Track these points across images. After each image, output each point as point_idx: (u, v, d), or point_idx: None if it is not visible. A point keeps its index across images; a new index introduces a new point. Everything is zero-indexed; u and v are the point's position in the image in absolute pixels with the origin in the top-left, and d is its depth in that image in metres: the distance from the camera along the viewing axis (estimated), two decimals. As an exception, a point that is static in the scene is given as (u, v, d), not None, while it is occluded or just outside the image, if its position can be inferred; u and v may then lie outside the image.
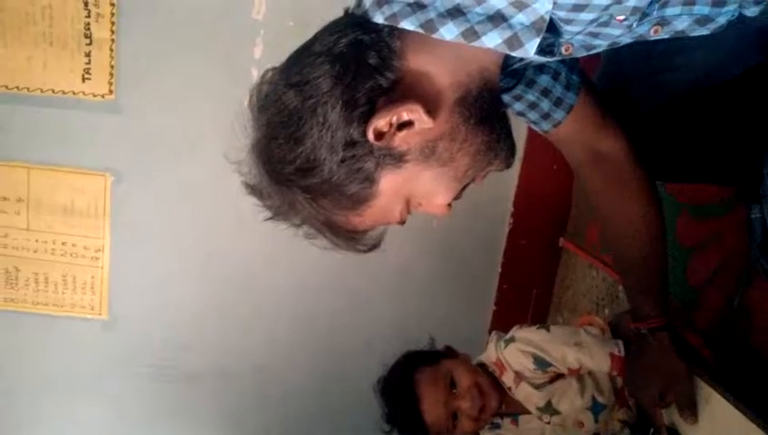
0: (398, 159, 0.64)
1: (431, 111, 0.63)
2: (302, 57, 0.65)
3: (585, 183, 0.93)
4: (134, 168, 1.54)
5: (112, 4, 1.42)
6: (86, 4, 1.41)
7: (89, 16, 1.42)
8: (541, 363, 1.03)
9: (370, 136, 0.62)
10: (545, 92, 0.82)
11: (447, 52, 0.63)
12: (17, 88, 1.46)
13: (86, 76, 1.46)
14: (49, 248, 1.57)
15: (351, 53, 0.62)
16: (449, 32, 0.59)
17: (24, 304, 1.60)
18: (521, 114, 0.84)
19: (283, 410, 1.73)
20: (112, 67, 1.46)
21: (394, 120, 0.62)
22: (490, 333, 1.48)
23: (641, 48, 0.72)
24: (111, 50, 1.45)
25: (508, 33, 0.59)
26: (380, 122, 0.62)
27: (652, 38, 0.67)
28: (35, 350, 1.65)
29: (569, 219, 1.72)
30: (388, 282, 1.68)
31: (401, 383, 1.08)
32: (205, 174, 1.52)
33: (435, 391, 1.05)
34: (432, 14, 0.59)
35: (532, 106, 0.83)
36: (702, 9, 0.64)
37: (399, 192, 0.67)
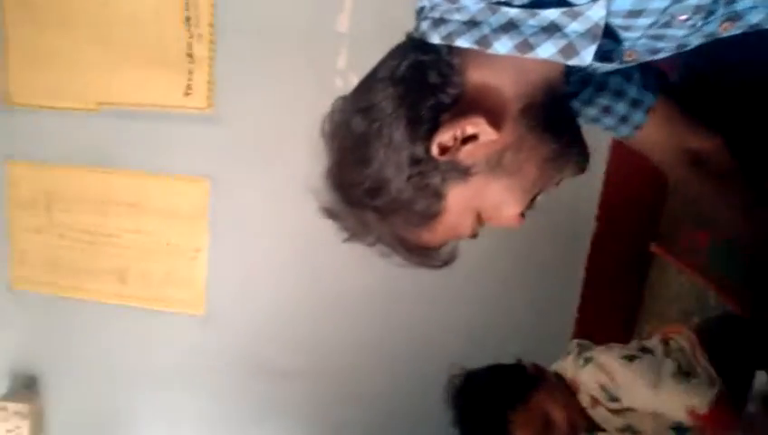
0: (465, 172, 0.65)
1: (495, 122, 0.63)
2: (367, 83, 0.68)
3: (686, 186, 0.90)
4: (230, 174, 1.65)
5: (211, 25, 1.54)
6: (188, 26, 1.54)
7: (191, 37, 1.55)
8: (610, 397, 0.98)
9: (435, 151, 0.63)
10: (619, 94, 0.80)
11: (507, 64, 0.63)
12: (130, 104, 1.61)
13: (188, 91, 1.58)
14: (154, 248, 1.71)
15: (412, 74, 0.64)
16: (503, 46, 0.60)
17: (131, 299, 1.75)
18: (595, 120, 0.82)
19: (369, 410, 1.75)
20: (210, 82, 1.58)
21: (458, 134, 0.63)
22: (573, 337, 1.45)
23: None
24: (210, 66, 1.56)
25: (563, 43, 0.59)
26: (444, 137, 0.63)
27: (723, 35, 0.64)
28: (139, 343, 1.79)
29: (660, 222, 1.64)
30: (467, 288, 1.68)
31: (493, 425, 1.05)
32: (294, 179, 1.59)
33: (531, 433, 1.02)
34: (486, 30, 0.60)
35: (607, 110, 0.81)
36: None
37: (468, 206, 0.67)
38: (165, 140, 1.64)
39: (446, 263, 0.74)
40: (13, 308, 1.80)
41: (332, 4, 1.51)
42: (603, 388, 0.99)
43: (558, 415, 1.01)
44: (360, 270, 1.67)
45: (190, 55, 1.56)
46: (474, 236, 0.72)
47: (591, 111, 0.81)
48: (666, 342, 1.04)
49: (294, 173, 1.60)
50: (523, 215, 0.71)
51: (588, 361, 1.04)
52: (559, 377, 1.08)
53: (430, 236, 0.69)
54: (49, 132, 1.67)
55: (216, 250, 1.70)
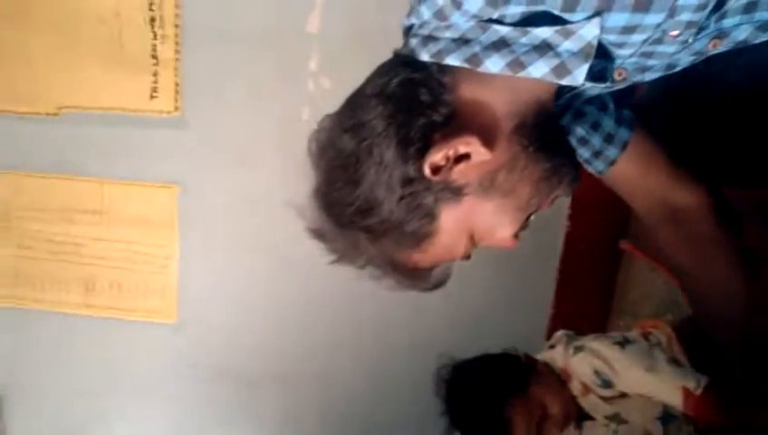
0: (457, 192, 0.64)
1: (488, 142, 0.62)
2: (355, 101, 0.66)
3: (658, 240, 0.87)
4: (199, 179, 1.61)
5: (176, 26, 1.49)
6: (152, 27, 1.49)
7: (155, 38, 1.50)
8: (604, 381, 1.00)
9: (427, 171, 0.62)
10: (594, 126, 0.79)
11: (500, 82, 0.62)
12: (93, 107, 1.56)
13: (153, 94, 1.53)
14: (123, 257, 1.66)
15: (402, 91, 0.63)
16: (495, 64, 0.59)
17: (100, 309, 1.69)
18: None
19: (343, 417, 1.75)
20: (177, 85, 1.53)
21: (450, 153, 0.62)
22: (547, 338, 1.46)
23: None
24: (176, 69, 1.52)
25: (555, 62, 0.58)
26: (436, 157, 0.62)
27: (711, 53, 0.64)
28: (110, 353, 1.74)
29: (629, 221, 1.67)
30: (444, 288, 1.68)
31: (490, 414, 1.05)
32: (266, 183, 1.58)
33: (530, 425, 1.03)
34: (477, 48, 0.60)
35: (583, 141, 0.79)
36: (763, 15, 0.60)
37: (461, 226, 0.66)
38: (130, 145, 1.59)
39: (438, 285, 0.72)
40: (-29, 323, 1.72)
41: (302, 5, 1.48)
42: (597, 373, 1.00)
43: (555, 404, 1.03)
44: (330, 273, 1.65)
45: (155, 57, 1.51)
46: (466, 257, 0.70)
47: (570, 140, 0.79)
48: (645, 335, 1.06)
49: (265, 177, 1.60)
50: (517, 236, 0.69)
51: (579, 349, 1.05)
52: (547, 367, 1.08)
53: (422, 257, 0.68)
54: (7, 138, 1.60)
55: (186, 257, 1.66)
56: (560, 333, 1.13)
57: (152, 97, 1.54)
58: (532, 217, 0.70)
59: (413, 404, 1.64)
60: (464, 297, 1.68)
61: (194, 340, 1.72)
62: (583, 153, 0.80)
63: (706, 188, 0.82)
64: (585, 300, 1.73)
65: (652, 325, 1.10)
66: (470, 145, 0.62)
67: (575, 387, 1.03)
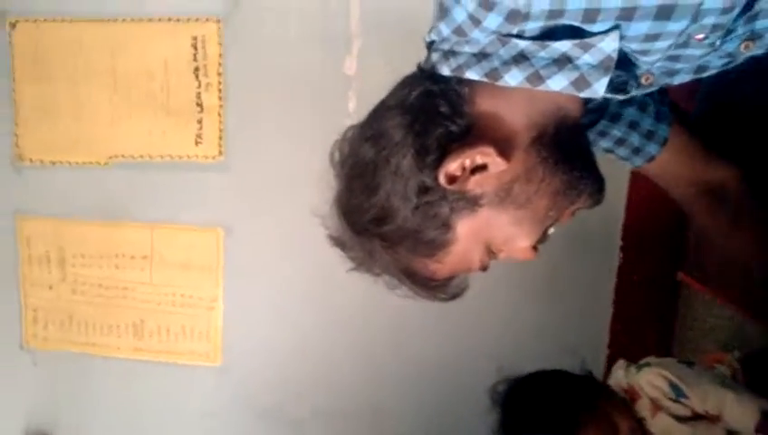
0: (473, 202, 0.64)
1: (505, 152, 0.62)
2: (377, 112, 0.68)
3: (694, 218, 0.89)
4: (243, 222, 1.63)
5: (219, 74, 1.54)
6: (197, 76, 1.55)
7: (199, 87, 1.55)
8: (678, 392, 0.93)
9: (442, 180, 0.62)
10: (633, 125, 0.79)
11: (519, 95, 0.62)
12: (141, 156, 1.61)
13: (198, 141, 1.58)
14: (170, 300, 1.69)
15: (422, 102, 0.63)
16: (514, 78, 0.59)
17: (148, 353, 1.72)
18: (608, 151, 0.81)
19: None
20: (221, 131, 1.57)
21: (467, 163, 0.62)
22: (604, 376, 1.40)
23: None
24: (220, 115, 1.56)
25: (575, 75, 0.58)
26: (452, 166, 0.62)
27: (743, 55, 0.62)
28: (156, 397, 1.75)
29: (687, 250, 1.60)
30: (490, 323, 1.64)
31: (559, 430, 0.98)
32: (308, 224, 1.58)
33: None
34: (496, 63, 0.60)
35: (621, 142, 0.80)
36: None
37: (477, 237, 0.66)
38: (176, 191, 1.63)
39: (454, 296, 0.72)
40: (26, 367, 1.77)
41: (340, 48, 1.51)
42: (671, 384, 0.94)
43: (624, 423, 0.96)
44: (375, 311, 1.64)
45: (200, 105, 1.56)
46: (483, 268, 0.70)
47: (605, 143, 0.80)
48: (710, 368, 1.01)
49: (307, 219, 1.60)
50: (535, 248, 0.69)
51: (642, 366, 0.99)
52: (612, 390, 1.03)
53: (438, 266, 0.68)
54: (60, 188, 1.66)
55: (231, 299, 1.68)
56: (620, 362, 1.08)
57: (197, 143, 1.58)
58: (552, 230, 0.69)
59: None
60: (512, 339, 1.64)
61: (240, 382, 1.72)
62: (621, 152, 0.81)
63: (735, 163, 0.83)
64: (642, 335, 1.65)
65: (717, 359, 1.05)
66: (487, 155, 0.62)
67: (643, 407, 0.97)
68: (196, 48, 1.53)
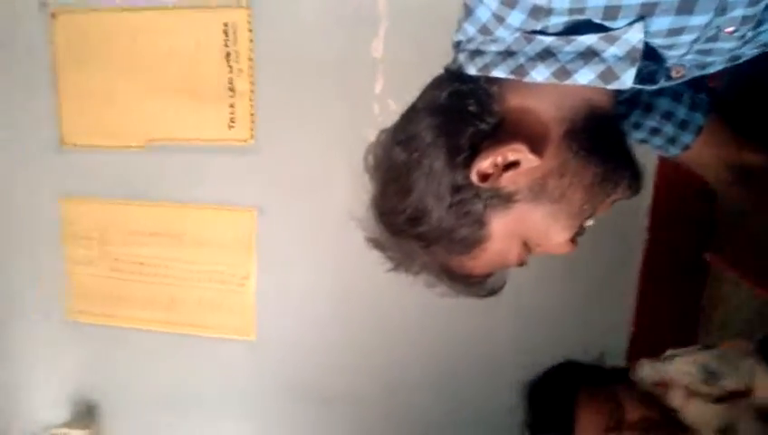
0: (507, 199, 0.64)
1: (536, 148, 0.62)
2: (407, 115, 0.68)
3: (734, 201, 0.89)
4: (275, 203, 1.68)
5: (250, 59, 1.57)
6: (228, 62, 1.58)
7: (231, 72, 1.59)
8: (711, 374, 0.91)
9: (474, 178, 0.63)
10: (667, 116, 0.79)
11: (547, 90, 0.62)
12: (176, 139, 1.66)
13: (231, 124, 1.62)
14: (204, 277, 1.74)
15: (451, 103, 0.64)
16: (540, 74, 0.59)
17: (182, 326, 1.78)
18: (643, 141, 0.81)
19: (418, 431, 1.75)
20: (252, 115, 1.61)
21: (499, 160, 0.62)
22: (628, 358, 1.40)
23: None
24: (251, 99, 1.60)
25: (601, 68, 0.58)
26: (484, 164, 0.62)
27: None
28: (191, 369, 1.82)
29: (714, 231, 1.58)
30: (514, 304, 1.65)
31: (558, 398, 0.98)
32: (337, 204, 1.61)
33: (596, 419, 0.93)
34: (522, 60, 0.60)
35: (655, 132, 0.80)
36: None
37: (513, 233, 0.66)
38: (211, 173, 1.68)
39: (493, 292, 0.73)
40: (70, 338, 1.86)
41: (367, 31, 1.53)
42: (703, 368, 0.92)
43: (635, 411, 0.92)
44: (403, 292, 1.65)
45: (232, 89, 1.60)
46: (521, 264, 0.70)
47: (639, 134, 0.80)
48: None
49: (337, 199, 1.64)
50: (574, 241, 0.68)
51: (669, 358, 0.97)
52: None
53: (474, 263, 0.68)
54: (100, 170, 1.73)
55: (263, 278, 1.73)
56: (641, 361, 1.04)
57: (230, 127, 1.62)
58: (591, 222, 0.68)
59: (488, 417, 1.62)
60: (537, 316, 1.65)
61: (271, 357, 1.77)
62: (656, 142, 0.81)
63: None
64: (668, 318, 1.63)
65: (734, 345, 1.03)
66: (518, 152, 0.62)
67: (676, 397, 0.93)
68: (227, 34, 1.56)
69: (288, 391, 1.78)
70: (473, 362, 1.69)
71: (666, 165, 1.47)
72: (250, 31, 1.56)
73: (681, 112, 0.78)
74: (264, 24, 1.56)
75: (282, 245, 1.70)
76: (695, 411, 0.92)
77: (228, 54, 1.58)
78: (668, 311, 1.63)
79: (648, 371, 0.99)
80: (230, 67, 1.58)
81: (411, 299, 1.66)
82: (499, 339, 1.66)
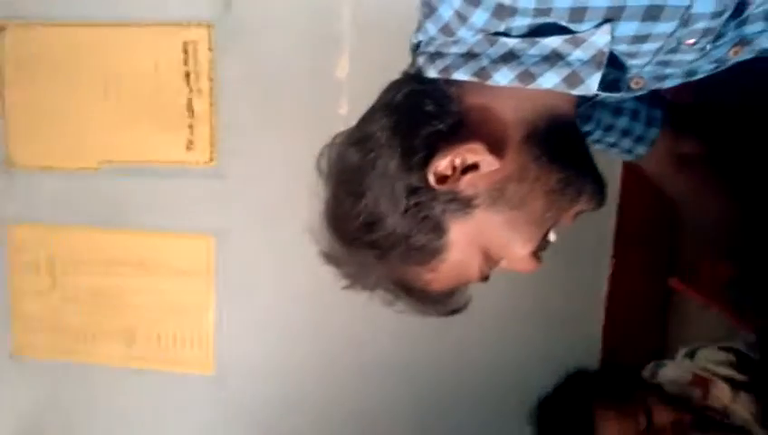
0: (466, 204, 0.61)
1: (496, 150, 0.60)
2: (363, 117, 0.66)
3: (668, 188, 0.91)
4: (235, 229, 1.63)
5: (211, 79, 1.54)
6: (187, 82, 1.55)
7: (190, 92, 1.55)
8: (748, 359, 0.86)
9: (431, 180, 0.60)
10: (625, 132, 0.81)
11: (507, 93, 0.60)
12: (132, 161, 1.61)
13: (190, 146, 1.58)
14: (161, 307, 1.68)
15: (407, 103, 0.62)
16: (504, 76, 0.58)
17: (141, 361, 1.71)
18: (600, 149, 0.83)
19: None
20: (212, 136, 1.57)
21: (457, 162, 0.60)
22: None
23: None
24: (211, 120, 1.56)
25: (566, 71, 0.57)
26: (441, 164, 0.60)
27: (731, 61, 0.62)
28: (150, 406, 1.74)
29: (679, 257, 1.60)
30: (484, 331, 1.63)
31: (577, 412, 0.91)
32: (301, 231, 1.57)
33: (625, 427, 0.88)
34: (485, 62, 0.58)
35: (613, 145, 0.83)
36: None
37: (473, 243, 0.63)
38: (168, 197, 1.63)
39: (455, 311, 0.69)
40: (16, 376, 1.76)
41: (331, 51, 1.51)
42: (735, 351, 0.88)
43: (662, 416, 0.87)
44: (373, 325, 1.63)
45: (191, 110, 1.56)
46: (484, 279, 0.67)
47: (599, 147, 0.82)
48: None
49: (300, 225, 1.59)
50: (537, 257, 0.66)
51: (691, 352, 0.93)
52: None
53: (433, 277, 0.65)
54: (50, 194, 1.66)
55: (223, 308, 1.67)
56: (652, 364, 1.01)
57: (188, 149, 1.58)
58: (553, 238, 0.66)
59: None
60: (505, 343, 1.63)
61: (232, 391, 1.70)
62: (612, 153, 0.84)
63: (706, 137, 0.87)
64: (635, 342, 1.64)
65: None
66: (476, 153, 0.60)
67: (722, 394, 0.87)
68: (186, 53, 1.53)
69: (251, 426, 1.71)
70: (449, 388, 1.65)
71: (630, 189, 1.50)
72: (210, 50, 1.53)
73: (638, 129, 0.81)
74: (225, 44, 1.54)
75: (243, 273, 1.65)
76: (744, 409, 0.87)
77: (188, 74, 1.54)
78: (635, 336, 1.63)
79: (673, 372, 0.93)
80: (189, 87, 1.55)
81: (382, 326, 1.63)
82: (473, 363, 1.64)
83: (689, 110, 0.88)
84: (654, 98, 0.79)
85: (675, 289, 1.60)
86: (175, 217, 1.64)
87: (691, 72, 0.64)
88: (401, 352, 1.63)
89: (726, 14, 0.55)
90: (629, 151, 0.82)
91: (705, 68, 0.63)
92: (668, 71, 0.63)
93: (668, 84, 0.65)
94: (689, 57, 0.60)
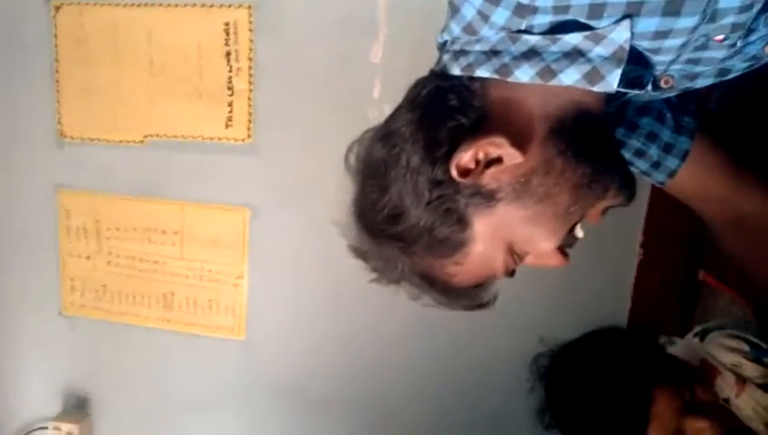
0: (490, 197, 0.61)
1: (519, 144, 0.60)
2: (391, 114, 0.68)
3: (723, 245, 0.82)
4: (269, 203, 1.68)
5: (250, 59, 1.58)
6: (228, 61, 1.59)
7: (230, 71, 1.59)
8: (757, 350, 0.82)
9: (454, 173, 0.61)
10: (651, 136, 0.76)
11: (531, 89, 0.60)
12: (174, 136, 1.67)
13: (228, 123, 1.63)
14: (198, 275, 1.74)
15: (431, 98, 0.63)
16: (525, 73, 0.58)
17: (177, 324, 1.78)
18: (628, 163, 0.77)
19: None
20: (250, 114, 1.61)
21: (480, 156, 0.60)
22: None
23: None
24: (249, 99, 1.60)
25: (587, 68, 0.57)
26: (464, 158, 0.60)
27: (767, 58, 0.60)
28: (183, 367, 1.82)
29: (708, 249, 1.57)
30: (507, 317, 1.63)
31: (633, 392, 0.83)
32: (332, 208, 1.61)
33: (674, 400, 0.82)
34: (506, 59, 0.59)
35: (640, 153, 0.77)
36: None
37: (497, 236, 0.63)
38: (207, 171, 1.68)
39: (482, 305, 0.69)
40: (64, 332, 1.86)
41: (366, 36, 1.53)
42: (748, 342, 0.82)
43: (707, 395, 0.82)
44: (398, 297, 1.65)
45: (231, 88, 1.61)
46: (510, 274, 0.67)
47: (624, 154, 0.77)
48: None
49: (330, 202, 1.62)
50: (564, 253, 0.66)
51: (704, 332, 0.87)
52: None
53: (458, 270, 0.66)
54: (98, 164, 1.74)
55: (255, 278, 1.73)
56: (664, 338, 0.96)
57: (227, 126, 1.63)
58: (580, 234, 0.66)
59: (483, 421, 1.60)
60: (527, 333, 1.62)
61: (261, 357, 1.77)
62: (641, 165, 0.78)
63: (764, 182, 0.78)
64: (661, 331, 1.63)
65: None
66: (499, 146, 0.60)
67: (726, 383, 0.83)
68: (228, 33, 1.57)
69: (278, 392, 1.78)
70: (468, 368, 1.68)
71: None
72: (250, 30, 1.57)
73: (665, 134, 0.76)
74: (264, 25, 1.57)
75: (275, 245, 1.70)
76: (748, 402, 0.82)
77: (228, 53, 1.58)
78: (661, 327, 1.61)
79: (681, 351, 0.89)
80: (230, 66, 1.59)
81: (404, 303, 1.65)
82: (492, 351, 1.65)
83: (750, 138, 0.79)
84: (685, 105, 0.76)
85: (704, 282, 1.57)
86: (212, 189, 1.69)
87: (724, 71, 0.63)
88: (425, 326, 1.65)
89: (756, 8, 0.54)
90: (658, 164, 0.76)
91: (739, 66, 0.62)
92: (699, 69, 0.62)
93: (700, 84, 0.64)
94: (720, 54, 0.59)
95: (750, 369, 0.82)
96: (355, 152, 0.70)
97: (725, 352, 0.84)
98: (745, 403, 0.80)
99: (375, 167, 0.66)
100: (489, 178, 0.61)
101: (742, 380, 0.81)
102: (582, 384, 0.90)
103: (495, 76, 0.59)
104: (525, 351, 1.61)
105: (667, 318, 1.61)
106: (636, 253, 1.60)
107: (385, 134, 0.65)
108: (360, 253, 0.70)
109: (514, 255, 0.65)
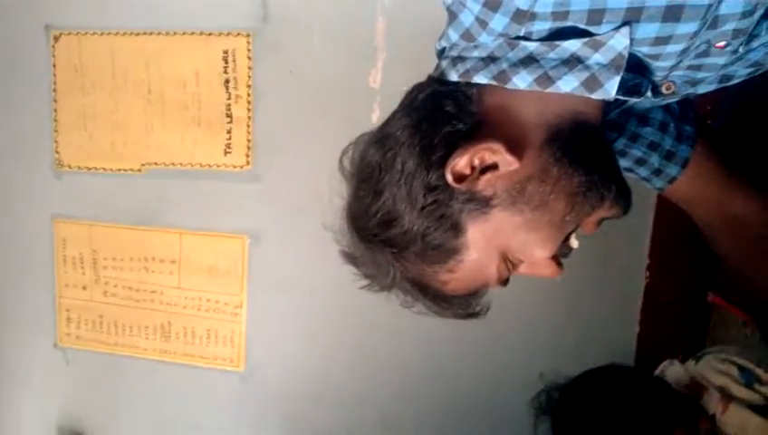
0: (485, 204, 0.61)
1: (515, 150, 0.60)
2: (387, 119, 0.68)
3: (716, 247, 0.83)
4: (269, 231, 1.66)
5: (249, 86, 1.58)
6: (227, 88, 1.59)
7: (229, 98, 1.59)
8: (748, 376, 0.83)
9: (449, 178, 0.60)
10: (653, 146, 0.76)
11: (529, 96, 0.60)
12: (172, 164, 1.66)
13: (227, 150, 1.62)
14: (196, 305, 1.72)
15: (428, 103, 0.63)
16: (523, 80, 0.58)
17: (174, 355, 1.76)
18: (628, 171, 0.78)
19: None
20: (249, 141, 1.61)
21: (476, 162, 0.60)
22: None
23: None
24: (248, 126, 1.60)
25: (585, 75, 0.56)
26: (459, 163, 0.60)
27: None
28: (183, 399, 1.79)
29: (718, 270, 1.55)
30: (512, 340, 1.62)
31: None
32: (331, 235, 1.60)
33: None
34: (504, 66, 0.59)
35: (640, 162, 0.77)
36: None
37: (491, 244, 0.63)
38: (205, 198, 1.67)
39: (473, 314, 0.69)
40: (60, 365, 1.84)
41: (365, 61, 1.53)
42: (740, 368, 0.83)
43: (706, 425, 0.83)
44: (401, 320, 1.62)
45: (229, 116, 1.60)
46: (503, 282, 0.66)
47: (625, 163, 0.77)
48: None
49: (330, 228, 1.62)
50: (559, 263, 0.65)
51: (701, 356, 0.89)
52: None
53: (451, 277, 0.65)
54: (96, 193, 1.73)
55: (254, 307, 1.70)
56: (666, 362, 0.98)
57: (226, 153, 1.62)
58: (575, 245, 0.65)
59: None
60: (533, 356, 1.61)
61: (262, 388, 1.74)
62: (641, 172, 0.78)
63: (760, 192, 0.79)
64: (669, 354, 1.60)
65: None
66: (495, 152, 0.60)
67: (712, 401, 0.85)
68: (226, 61, 1.57)
69: (278, 422, 1.74)
70: (474, 393, 1.65)
71: (667, 199, 1.45)
72: (249, 58, 1.57)
73: (667, 143, 0.76)
74: (263, 53, 1.57)
75: (274, 273, 1.68)
76: (733, 419, 0.83)
77: (227, 81, 1.59)
78: (670, 351, 1.58)
79: (678, 371, 0.91)
80: (228, 93, 1.59)
81: (408, 328, 1.64)
82: (497, 372, 1.63)
83: (746, 145, 0.82)
84: (686, 114, 0.77)
85: (713, 304, 1.55)
86: (211, 217, 1.68)
87: (726, 78, 0.62)
88: (428, 351, 1.64)
89: (758, 14, 0.53)
90: (659, 172, 0.77)
91: (741, 72, 0.61)
92: (701, 75, 0.61)
93: (702, 90, 0.64)
94: (722, 61, 0.59)
95: (737, 391, 0.83)
96: (349, 156, 0.70)
97: (715, 373, 0.85)
98: (730, 419, 0.81)
99: (369, 170, 0.65)
100: (484, 184, 0.61)
101: (727, 397, 0.82)
102: (600, 429, 0.90)
103: (493, 82, 0.59)
104: (531, 377, 1.59)
105: (677, 341, 1.58)
106: (642, 276, 1.58)
107: (380, 138, 0.65)
108: (351, 258, 0.70)
109: (508, 263, 0.65)
